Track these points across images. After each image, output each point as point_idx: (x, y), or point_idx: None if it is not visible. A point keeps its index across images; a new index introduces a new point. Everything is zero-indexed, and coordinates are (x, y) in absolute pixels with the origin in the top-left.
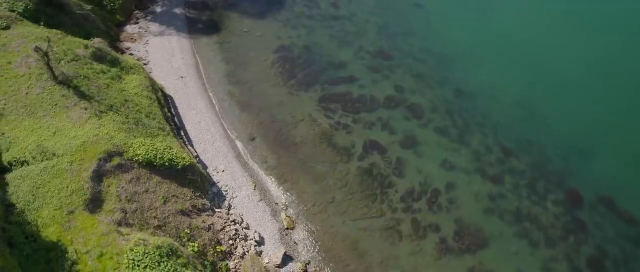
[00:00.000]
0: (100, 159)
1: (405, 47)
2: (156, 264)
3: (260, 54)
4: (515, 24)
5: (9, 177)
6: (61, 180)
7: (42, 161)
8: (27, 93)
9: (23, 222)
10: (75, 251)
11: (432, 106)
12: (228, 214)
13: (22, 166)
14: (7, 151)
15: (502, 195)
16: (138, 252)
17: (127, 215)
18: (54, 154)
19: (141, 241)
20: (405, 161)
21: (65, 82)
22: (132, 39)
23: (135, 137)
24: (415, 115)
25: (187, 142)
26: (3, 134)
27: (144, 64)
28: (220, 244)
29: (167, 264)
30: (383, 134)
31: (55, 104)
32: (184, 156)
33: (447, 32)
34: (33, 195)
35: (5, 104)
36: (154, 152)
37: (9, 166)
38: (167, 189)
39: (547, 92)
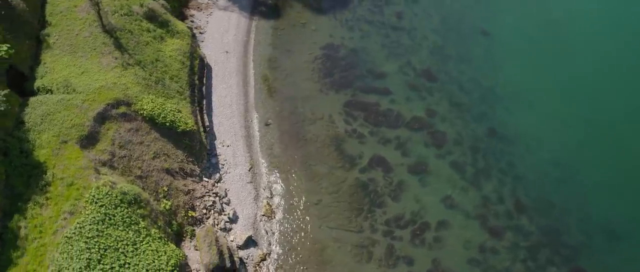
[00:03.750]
0: (108, 104)
1: (454, 73)
2: (113, 207)
3: (308, 47)
4: (584, 75)
5: (31, 99)
6: (69, 113)
7: (63, 93)
8: (77, 34)
9: (23, 138)
10: (53, 174)
11: (458, 139)
12: (214, 185)
13: (46, 93)
14: (41, 78)
15: (495, 250)
16: (101, 191)
17: (114, 159)
18: (74, 90)
19: (110, 183)
20: (406, 185)
21: (110, 32)
22: (199, 7)
23: (149, 93)
24: (436, 143)
25: (205, 112)
26: (45, 63)
27: (200, 33)
28: (194, 210)
29: (123, 210)
30: (395, 153)
31: (94, 49)
32: (187, 121)
33: (505, 67)
34: (42, 119)
35: (57, 39)
36: (159, 110)
37: (36, 91)
38: (161, 146)
39: (595, 157)
